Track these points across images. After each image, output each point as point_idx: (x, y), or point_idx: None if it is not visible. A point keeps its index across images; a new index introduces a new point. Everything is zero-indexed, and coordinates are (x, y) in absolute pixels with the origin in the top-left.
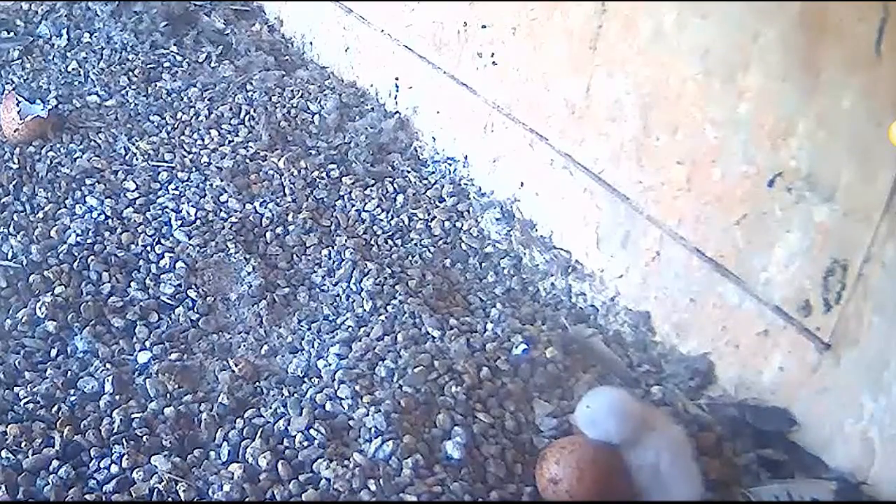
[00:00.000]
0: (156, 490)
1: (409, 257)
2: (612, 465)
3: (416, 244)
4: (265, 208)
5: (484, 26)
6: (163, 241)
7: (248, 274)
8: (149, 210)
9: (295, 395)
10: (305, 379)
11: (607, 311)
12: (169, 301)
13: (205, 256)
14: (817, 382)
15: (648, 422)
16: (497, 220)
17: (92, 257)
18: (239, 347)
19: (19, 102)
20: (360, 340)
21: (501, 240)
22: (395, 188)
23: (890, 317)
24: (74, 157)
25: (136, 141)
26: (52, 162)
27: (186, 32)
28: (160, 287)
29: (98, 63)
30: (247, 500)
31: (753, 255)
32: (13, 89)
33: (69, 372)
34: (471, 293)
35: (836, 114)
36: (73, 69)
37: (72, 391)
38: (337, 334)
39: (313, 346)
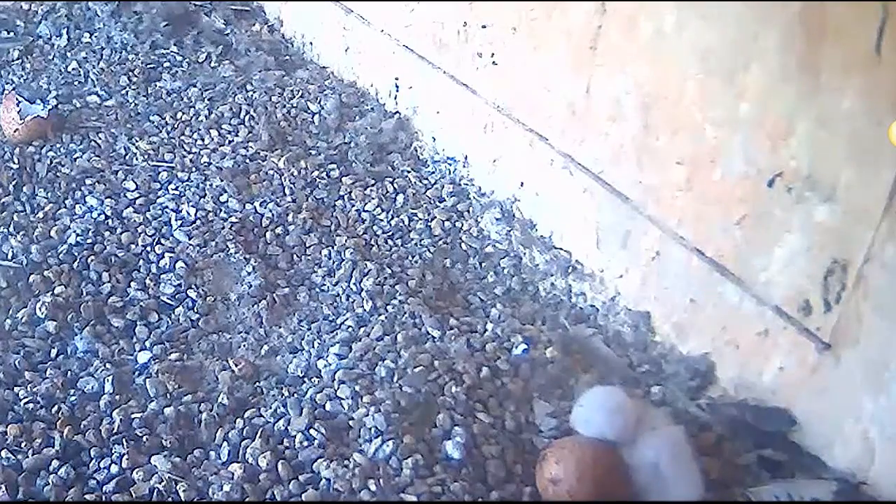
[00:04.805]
0: (156, 490)
1: (409, 257)
2: (612, 464)
3: (416, 244)
4: (265, 208)
5: (484, 26)
6: (163, 241)
7: (248, 274)
8: (149, 210)
9: (295, 395)
10: (305, 379)
11: (607, 311)
12: (169, 301)
13: (205, 256)
14: (817, 382)
15: (646, 420)
16: (497, 220)
17: (92, 257)
18: (239, 347)
19: (19, 102)
20: (360, 340)
21: (501, 240)
22: (395, 188)
23: (890, 317)
24: (74, 157)
25: (136, 141)
26: (52, 162)
27: (186, 32)
28: (160, 287)
29: (98, 63)
30: (247, 500)
31: (753, 255)
32: (13, 89)
33: (69, 372)
34: (471, 293)
35: (836, 114)
36: (73, 69)
37: (72, 391)
38: (337, 334)
39: (313, 346)
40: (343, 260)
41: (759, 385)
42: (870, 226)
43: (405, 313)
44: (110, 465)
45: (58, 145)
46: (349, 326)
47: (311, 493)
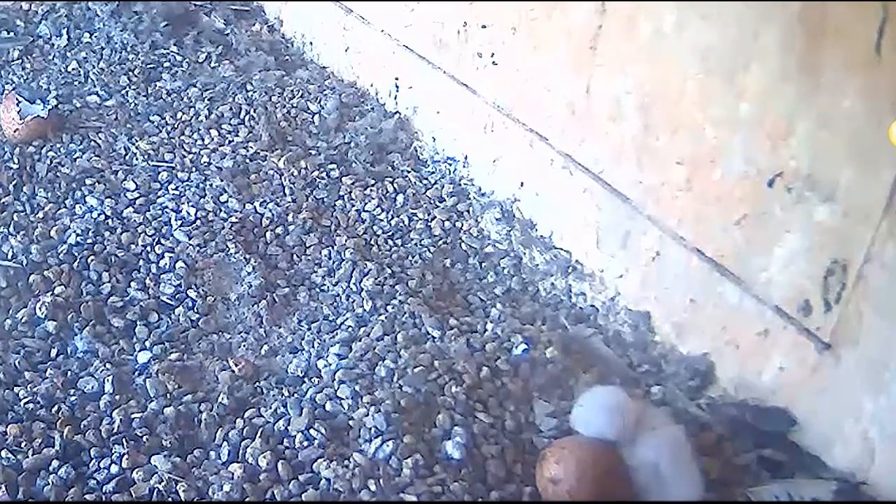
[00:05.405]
0: (156, 490)
1: (409, 257)
2: (612, 464)
3: (416, 244)
4: (265, 208)
5: (484, 26)
6: (163, 241)
7: (248, 274)
8: (149, 210)
9: (295, 395)
10: (305, 379)
11: (607, 311)
12: (169, 301)
13: (205, 256)
14: (817, 382)
15: (646, 420)
16: (497, 220)
17: (92, 257)
18: (239, 347)
19: (19, 102)
20: (360, 340)
21: (501, 240)
22: (395, 188)
23: (890, 317)
24: (74, 157)
25: (136, 141)
26: (52, 162)
27: (186, 32)
28: (160, 287)
29: (98, 63)
30: (247, 500)
31: (753, 255)
32: (13, 89)
33: (69, 372)
34: (471, 293)
35: (836, 114)
36: (73, 69)
37: (72, 391)
38: (337, 334)
39: (313, 346)
40: (343, 260)
41: (759, 385)
42: (870, 226)
43: (405, 313)
44: (110, 465)
45: (58, 145)
46: (349, 326)
47: (311, 493)
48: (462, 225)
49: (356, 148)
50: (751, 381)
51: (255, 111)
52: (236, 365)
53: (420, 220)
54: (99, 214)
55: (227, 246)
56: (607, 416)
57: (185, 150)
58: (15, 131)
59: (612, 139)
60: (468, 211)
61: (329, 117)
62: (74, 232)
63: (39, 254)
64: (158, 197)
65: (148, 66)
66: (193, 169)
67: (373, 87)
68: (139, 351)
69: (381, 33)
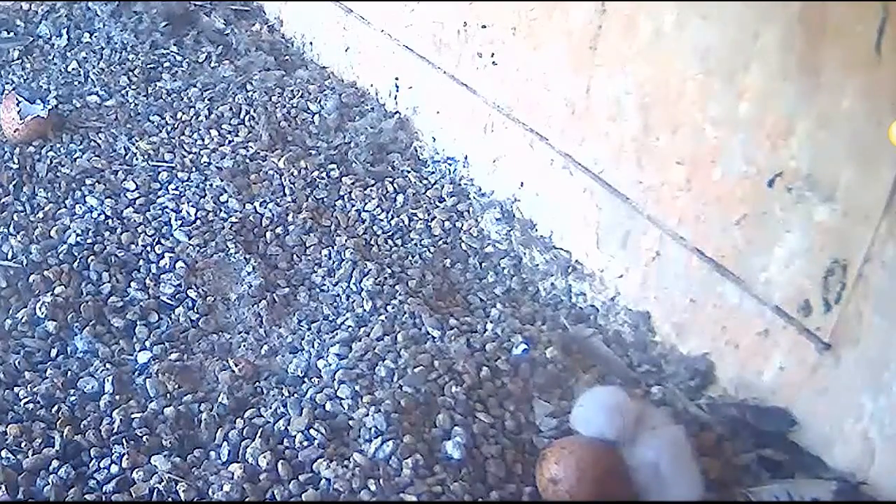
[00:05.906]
0: (156, 490)
1: (409, 257)
2: (612, 465)
3: (416, 244)
4: (265, 208)
5: (484, 26)
6: (163, 241)
7: (248, 274)
8: (149, 210)
9: (295, 395)
10: (305, 379)
11: (607, 311)
12: (169, 301)
13: (205, 256)
14: (817, 382)
15: (646, 420)
16: (497, 220)
17: (92, 257)
18: (239, 347)
19: (19, 102)
20: (360, 340)
21: (501, 240)
22: (395, 188)
23: (890, 317)
24: (74, 157)
25: (136, 141)
26: (52, 162)
27: (186, 32)
28: (160, 287)
29: (98, 63)
30: (247, 500)
31: (753, 255)
32: (13, 89)
33: (69, 372)
34: (471, 293)
35: (836, 114)
36: (73, 69)
37: (72, 391)
38: (337, 334)
39: (313, 346)
40: (343, 260)
41: (759, 385)
42: (870, 226)
43: (405, 313)
44: (110, 465)
45: (58, 145)
46: (349, 326)
47: (311, 493)
48: (462, 225)
49: (356, 148)
50: (751, 381)
51: (255, 111)
52: (236, 365)
53: (420, 220)
54: (99, 214)
55: (227, 246)
56: (607, 416)
57: (185, 150)
58: (15, 131)
59: (612, 139)
60: (468, 211)
61: (329, 117)
62: (74, 232)
63: (39, 254)
64: (158, 197)
65: (148, 66)
66: (193, 169)
67: (373, 87)
68: (139, 351)
69: (381, 33)
